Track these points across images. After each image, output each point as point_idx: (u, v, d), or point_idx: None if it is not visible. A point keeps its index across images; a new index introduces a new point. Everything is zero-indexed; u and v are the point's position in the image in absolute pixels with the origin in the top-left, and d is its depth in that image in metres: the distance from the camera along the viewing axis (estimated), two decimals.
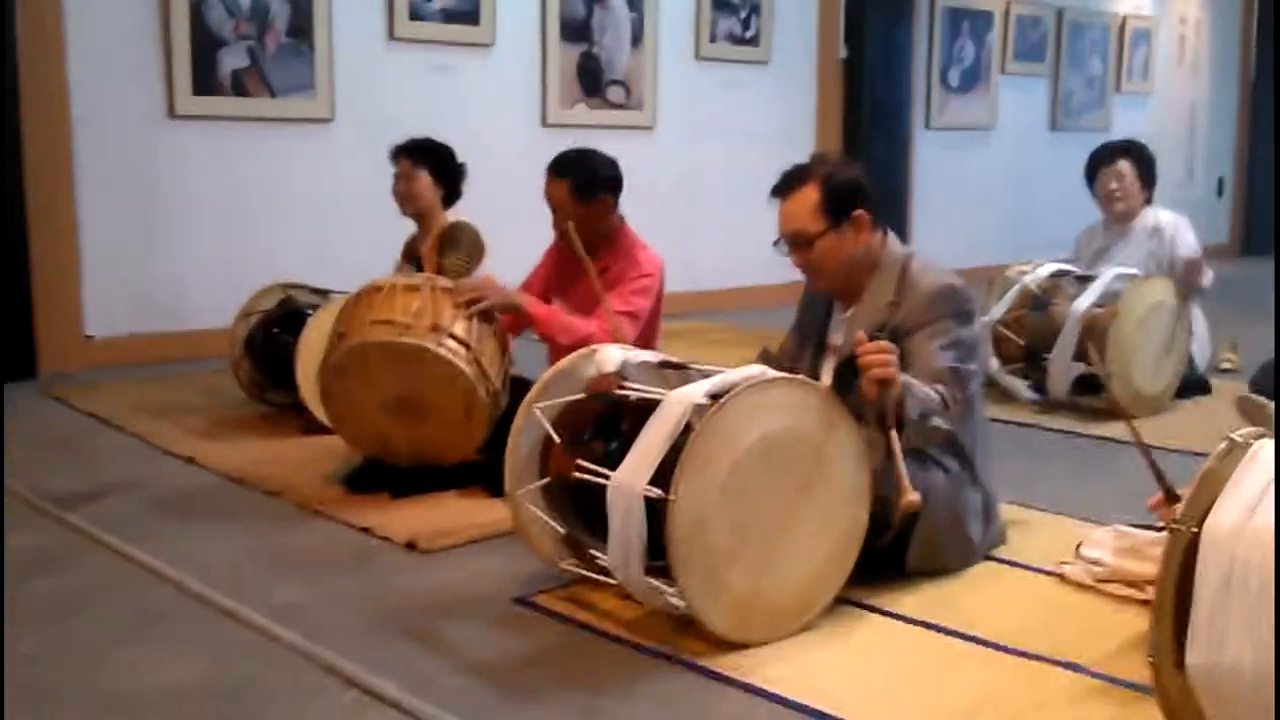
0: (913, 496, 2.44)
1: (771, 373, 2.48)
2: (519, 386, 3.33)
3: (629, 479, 2.35)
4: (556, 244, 3.96)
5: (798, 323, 3.18)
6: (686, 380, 2.59)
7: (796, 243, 2.88)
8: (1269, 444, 2.03)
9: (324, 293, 4.68)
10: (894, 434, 2.45)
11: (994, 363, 4.79)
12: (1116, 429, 4.43)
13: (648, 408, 2.49)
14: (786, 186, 2.90)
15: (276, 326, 4.50)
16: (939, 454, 2.88)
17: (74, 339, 5.63)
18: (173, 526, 3.30)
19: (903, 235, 8.90)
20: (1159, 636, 1.97)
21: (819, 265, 2.90)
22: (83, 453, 4.10)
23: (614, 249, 3.78)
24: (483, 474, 3.47)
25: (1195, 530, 1.95)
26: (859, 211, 2.88)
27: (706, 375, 2.57)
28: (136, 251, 5.80)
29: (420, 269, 4.40)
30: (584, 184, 3.73)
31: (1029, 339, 4.76)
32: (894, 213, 8.82)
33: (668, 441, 2.34)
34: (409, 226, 4.66)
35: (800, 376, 2.54)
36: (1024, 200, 9.69)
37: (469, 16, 6.66)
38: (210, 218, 5.96)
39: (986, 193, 9.53)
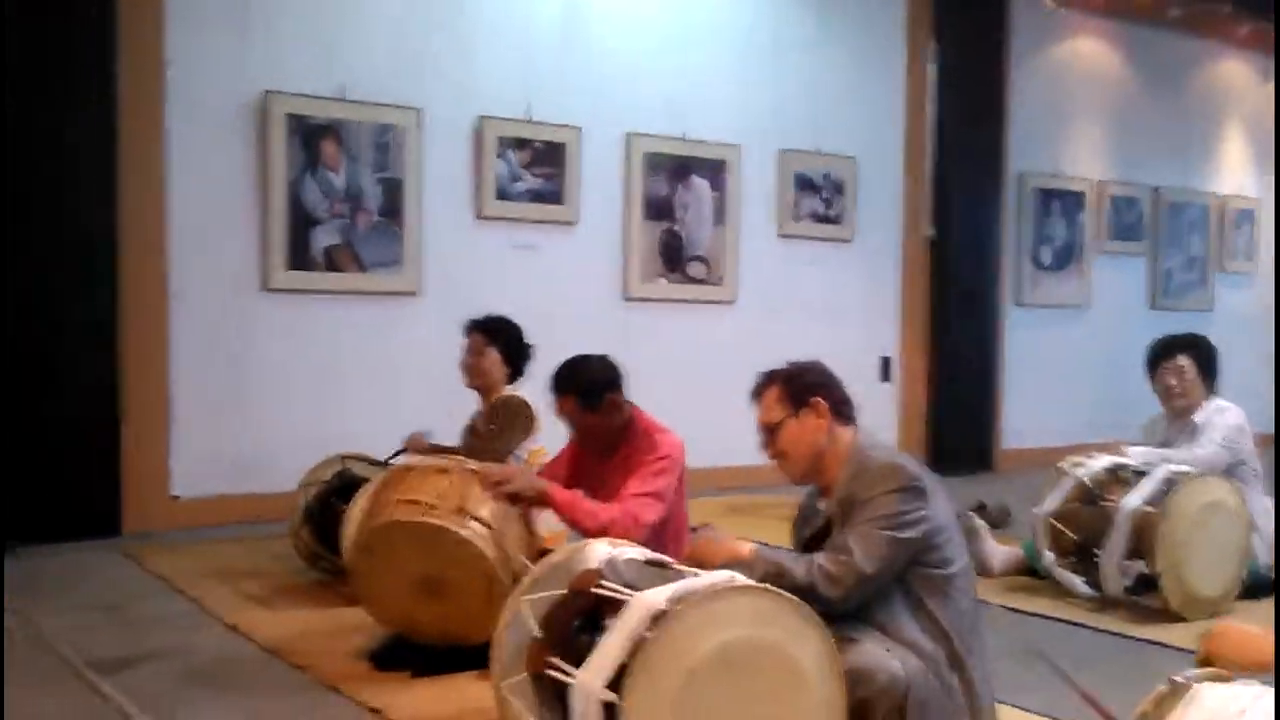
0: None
1: (740, 579, 2.50)
2: None
3: (589, 680, 2.38)
4: (573, 441, 4.08)
5: (794, 540, 3.20)
6: (665, 580, 2.62)
7: (765, 432, 3.07)
8: (1208, 688, 1.98)
9: (381, 464, 4.84)
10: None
11: (1049, 556, 4.71)
12: (1171, 633, 4.27)
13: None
14: (757, 389, 3.13)
15: (334, 496, 4.67)
16: (915, 635, 2.80)
17: (160, 499, 5.90)
18: (199, 699, 3.40)
19: (992, 412, 8.85)
20: None
21: (784, 451, 3.05)
22: (133, 617, 4.27)
23: (630, 438, 3.89)
24: None
25: None
26: (815, 398, 2.99)
27: (685, 576, 2.60)
28: (226, 416, 6.09)
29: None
30: (588, 393, 3.87)
31: (1082, 534, 4.67)
32: (982, 390, 8.77)
33: (627, 644, 2.37)
34: None
35: (766, 585, 2.55)
36: (1120, 379, 9.51)
37: (554, 196, 6.96)
38: (300, 385, 6.25)
39: (1080, 370, 9.40)
